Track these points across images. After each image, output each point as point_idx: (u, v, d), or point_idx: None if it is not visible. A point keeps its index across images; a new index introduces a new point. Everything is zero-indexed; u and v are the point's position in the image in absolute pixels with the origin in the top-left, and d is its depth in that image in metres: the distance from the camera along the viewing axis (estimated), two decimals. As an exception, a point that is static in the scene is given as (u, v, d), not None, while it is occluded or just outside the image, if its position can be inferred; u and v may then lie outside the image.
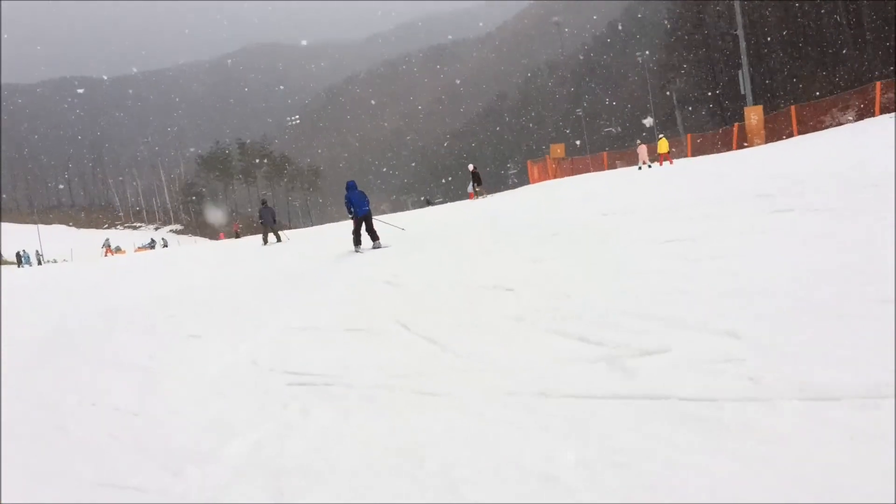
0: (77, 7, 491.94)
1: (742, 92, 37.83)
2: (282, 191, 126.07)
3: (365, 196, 13.53)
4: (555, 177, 46.48)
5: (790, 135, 31.61)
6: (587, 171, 45.54)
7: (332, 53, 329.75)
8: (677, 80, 72.99)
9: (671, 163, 32.47)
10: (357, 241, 13.35)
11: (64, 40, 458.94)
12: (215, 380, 5.86)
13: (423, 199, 51.12)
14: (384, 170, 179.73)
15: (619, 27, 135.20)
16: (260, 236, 24.64)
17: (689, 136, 40.95)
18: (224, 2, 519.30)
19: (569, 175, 45.54)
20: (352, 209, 13.31)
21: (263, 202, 23.54)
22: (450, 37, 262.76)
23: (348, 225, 16.17)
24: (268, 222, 22.70)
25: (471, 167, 33.94)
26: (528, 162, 50.83)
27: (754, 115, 34.68)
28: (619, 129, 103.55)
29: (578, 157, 54.49)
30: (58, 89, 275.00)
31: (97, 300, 13.94)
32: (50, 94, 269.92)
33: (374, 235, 13.31)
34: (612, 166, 44.44)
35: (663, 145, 33.63)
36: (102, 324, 10.38)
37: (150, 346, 8.02)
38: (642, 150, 33.81)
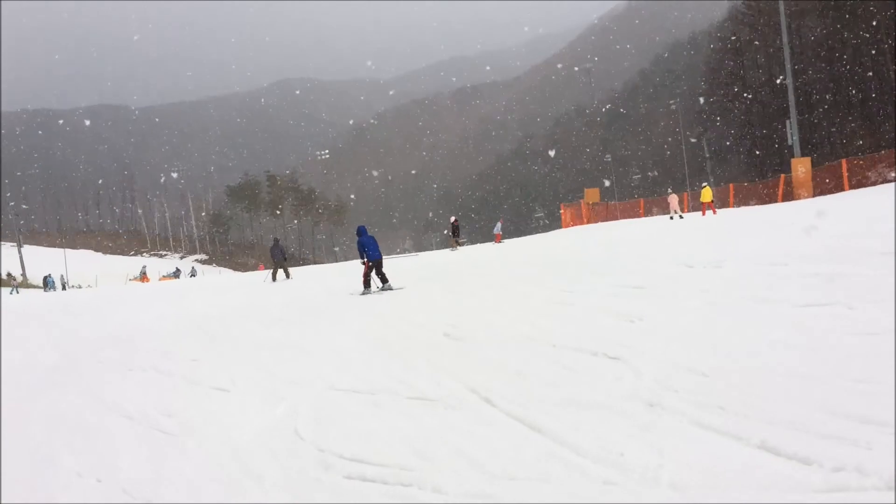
0: (112, 35, 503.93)
1: (789, 143, 36.45)
2: (308, 224, 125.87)
3: (375, 241, 13.76)
4: (588, 222, 45.32)
5: (838, 189, 30.24)
6: (621, 217, 44.34)
7: (363, 90, 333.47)
8: (709, 130, 72.01)
9: (714, 212, 31.10)
10: (367, 284, 13.64)
11: (102, 70, 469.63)
12: (248, 455, 4.67)
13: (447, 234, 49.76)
14: (408, 208, 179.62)
15: (653, 73, 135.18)
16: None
17: (731, 185, 39.59)
18: (260, 37, 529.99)
19: (602, 220, 44.38)
20: (365, 254, 13.55)
21: (275, 240, 24.22)
22: (478, 79, 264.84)
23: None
24: (277, 259, 23.27)
25: (452, 219, 34.17)
26: (562, 205, 49.71)
27: (801, 167, 33.26)
28: (655, 173, 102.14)
29: (613, 202, 53.24)
30: (94, 116, 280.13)
31: (115, 329, 12.90)
32: (85, 120, 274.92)
33: (383, 278, 13.59)
34: (648, 213, 43.18)
35: (707, 194, 32.10)
36: (117, 359, 9.26)
37: (169, 397, 6.86)
38: (673, 199, 32.33)
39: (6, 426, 6.48)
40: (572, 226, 45.38)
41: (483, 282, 12.28)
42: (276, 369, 7.18)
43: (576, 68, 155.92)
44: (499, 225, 40.60)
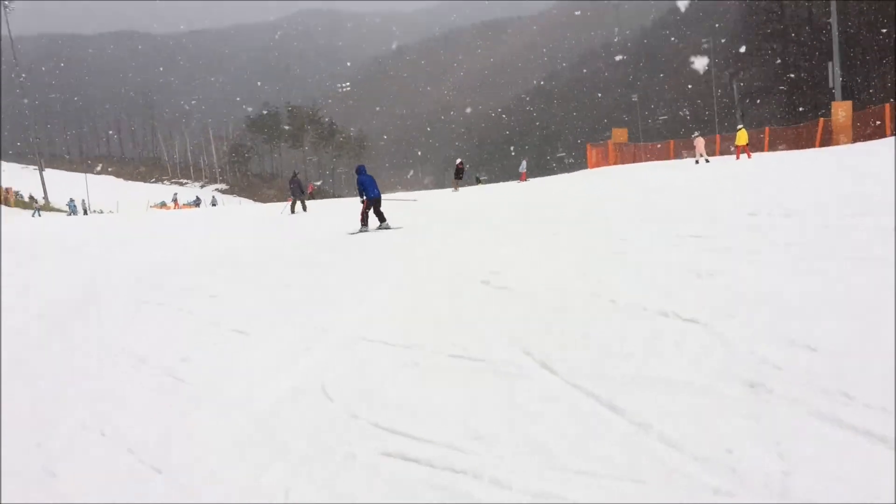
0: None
1: (830, 85, 34.95)
2: (328, 158, 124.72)
3: (374, 180, 14.05)
4: (615, 163, 44.04)
5: (879, 135, 28.82)
6: (648, 159, 43.00)
7: (386, 21, 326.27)
8: (743, 70, 69.39)
9: (749, 156, 29.80)
10: (364, 222, 13.85)
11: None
12: (270, 416, 4.09)
13: (475, 177, 49.10)
14: (430, 143, 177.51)
15: (681, 11, 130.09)
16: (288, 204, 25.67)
17: (767, 129, 38.02)
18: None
19: (630, 162, 43.06)
20: (364, 192, 13.78)
21: (294, 174, 26.08)
22: (504, 13, 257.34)
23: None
24: (296, 193, 24.42)
25: (458, 161, 34.39)
26: (588, 145, 48.32)
27: (842, 111, 31.76)
28: (685, 113, 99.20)
29: (640, 143, 51.70)
30: (115, 42, 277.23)
31: (136, 262, 12.42)
32: (106, 46, 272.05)
33: (381, 217, 13.84)
34: (678, 156, 41.75)
35: (742, 137, 30.55)
36: (132, 294, 8.73)
37: (183, 339, 6.31)
38: (699, 142, 30.97)
39: (14, 368, 5.98)
40: (598, 167, 44.17)
41: (517, 228, 11.46)
42: (299, 312, 6.58)
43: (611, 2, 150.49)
44: (524, 163, 40.12)
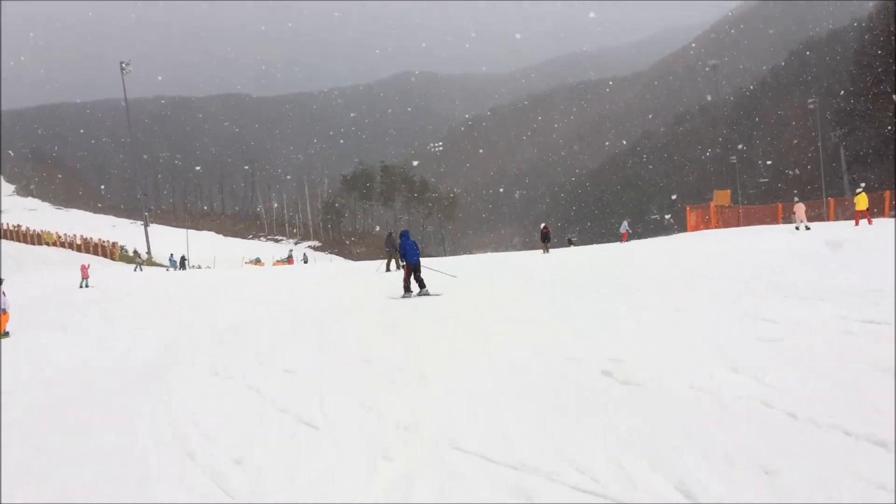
0: (241, 29, 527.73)
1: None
2: (419, 216, 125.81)
3: (416, 246, 14.08)
4: (717, 226, 41.71)
5: None
6: (754, 223, 40.46)
7: (478, 85, 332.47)
8: (851, 132, 65.48)
9: (870, 222, 27.21)
10: (407, 288, 13.86)
11: (231, 62, 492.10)
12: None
13: (567, 238, 47.72)
14: (519, 203, 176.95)
15: (785, 71, 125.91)
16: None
17: (888, 193, 35.12)
18: (379, 32, 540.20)
19: (734, 226, 40.66)
20: (404, 257, 13.96)
21: (389, 233, 26.29)
22: (595, 76, 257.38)
23: (491, 259, 13.77)
24: (391, 251, 24.27)
25: (542, 226, 33.87)
26: (688, 207, 46.11)
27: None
28: (794, 173, 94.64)
29: (746, 205, 49.08)
30: (221, 104, 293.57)
31: (222, 321, 11.82)
32: (213, 108, 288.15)
33: (421, 283, 13.85)
34: (786, 220, 39.02)
35: (863, 201, 27.98)
36: (208, 359, 7.92)
37: (244, 428, 5.34)
38: (800, 209, 28.67)
39: (67, 432, 5.17)
40: (700, 229, 41.96)
41: (629, 298, 10.00)
42: (379, 398, 5.51)
43: (709, 64, 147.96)
44: (625, 223, 39.09)
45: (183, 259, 59.98)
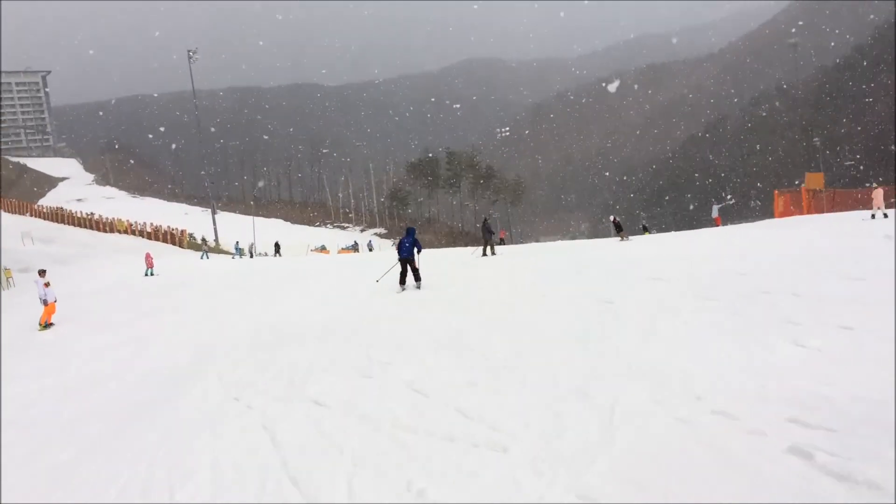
0: (312, 26, 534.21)
1: None
2: (485, 202, 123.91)
3: (417, 243, 14.81)
4: (809, 212, 38.47)
5: None
6: (849, 208, 37.06)
7: (547, 70, 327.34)
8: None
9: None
10: (402, 281, 14.56)
11: (301, 52, 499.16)
12: None
13: (642, 226, 45.33)
14: (587, 189, 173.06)
15: (871, 49, 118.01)
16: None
17: None
18: (447, 21, 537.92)
19: (829, 211, 37.34)
20: (398, 251, 14.69)
21: (485, 219, 26.43)
22: (667, 58, 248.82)
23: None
24: (486, 237, 24.71)
25: (612, 218, 32.69)
26: (776, 192, 42.84)
27: None
28: (878, 157, 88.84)
29: (842, 189, 45.38)
30: (291, 93, 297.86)
31: (279, 318, 10.48)
32: (283, 97, 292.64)
33: (417, 276, 14.69)
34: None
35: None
36: (234, 374, 6.51)
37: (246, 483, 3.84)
38: (878, 194, 25.59)
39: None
40: (787, 216, 38.83)
41: (774, 304, 7.58)
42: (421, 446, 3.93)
43: (788, 42, 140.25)
44: (715, 208, 36.92)
45: (251, 247, 60.10)
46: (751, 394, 4.28)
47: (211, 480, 4.28)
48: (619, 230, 31.90)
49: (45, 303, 16.24)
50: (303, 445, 4.57)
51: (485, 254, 24.09)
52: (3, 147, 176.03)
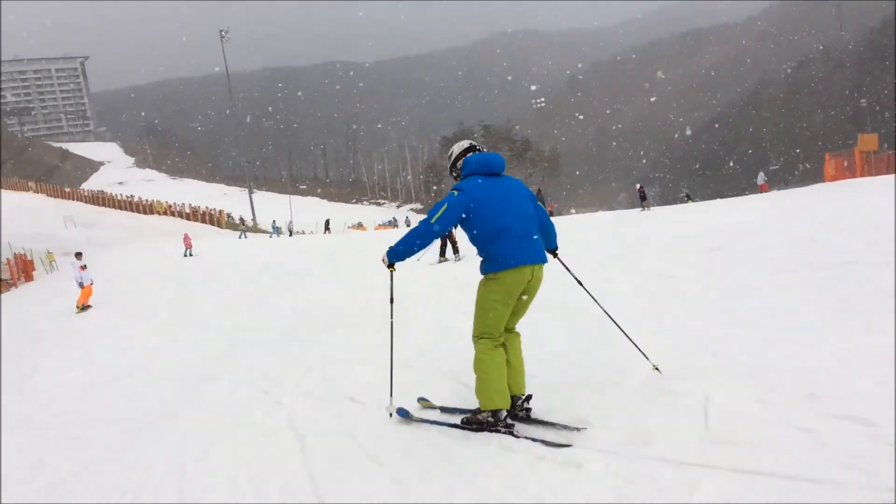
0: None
1: None
2: (521, 175, 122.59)
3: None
4: (863, 175, 36.71)
5: None
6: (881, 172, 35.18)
7: (578, 40, 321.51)
8: None
9: None
10: (442, 253, 14.79)
11: (331, 31, 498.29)
12: None
13: (685, 193, 44.40)
14: (625, 159, 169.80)
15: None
16: None
17: None
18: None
19: (885, 174, 35.54)
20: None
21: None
22: (706, 23, 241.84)
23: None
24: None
25: (638, 186, 33.38)
26: (827, 154, 41.11)
27: None
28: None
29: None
30: (324, 72, 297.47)
31: (314, 303, 9.95)
32: (317, 76, 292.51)
33: (455, 248, 14.82)
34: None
35: None
36: (259, 371, 5.96)
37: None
38: None
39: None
40: (839, 179, 37.09)
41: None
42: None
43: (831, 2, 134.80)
44: (761, 175, 36.26)
45: (289, 224, 60.20)
46: (881, 391, 3.51)
47: (227, 495, 3.68)
48: (644, 199, 31.26)
49: (81, 285, 16.08)
50: (333, 453, 3.92)
51: None
52: (45, 133, 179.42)
